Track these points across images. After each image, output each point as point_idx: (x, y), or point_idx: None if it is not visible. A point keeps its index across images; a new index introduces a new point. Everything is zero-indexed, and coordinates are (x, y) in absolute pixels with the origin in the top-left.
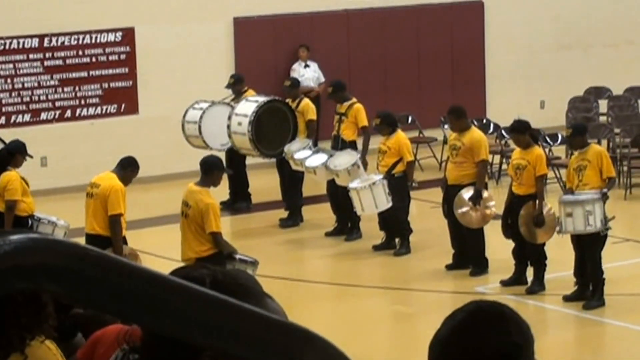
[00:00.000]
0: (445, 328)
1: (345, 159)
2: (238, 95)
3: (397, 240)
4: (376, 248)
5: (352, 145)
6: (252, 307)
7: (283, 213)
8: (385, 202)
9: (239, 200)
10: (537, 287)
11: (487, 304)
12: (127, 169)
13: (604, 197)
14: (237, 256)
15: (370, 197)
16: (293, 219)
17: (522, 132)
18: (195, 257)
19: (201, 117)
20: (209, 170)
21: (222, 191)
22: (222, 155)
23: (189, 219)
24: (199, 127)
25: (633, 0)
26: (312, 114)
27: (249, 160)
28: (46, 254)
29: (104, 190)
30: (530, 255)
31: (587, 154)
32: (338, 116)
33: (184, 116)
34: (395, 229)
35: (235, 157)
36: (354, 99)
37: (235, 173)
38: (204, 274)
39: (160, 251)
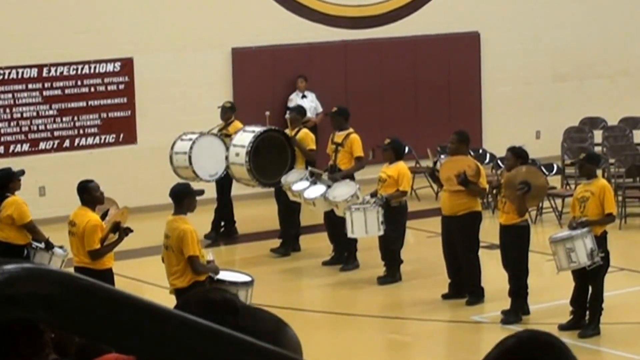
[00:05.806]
0: (495, 352)
1: (344, 189)
2: (225, 122)
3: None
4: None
5: (350, 175)
6: (246, 337)
7: (274, 243)
8: (376, 229)
9: (218, 231)
10: (512, 318)
11: (539, 333)
12: (90, 194)
13: (601, 231)
14: (227, 279)
15: (362, 221)
16: (285, 248)
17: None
18: (175, 289)
19: (191, 147)
20: (179, 199)
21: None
22: (211, 186)
23: (169, 250)
24: (189, 157)
25: (627, 32)
26: (312, 144)
27: (241, 190)
28: (40, 283)
29: (80, 227)
30: (511, 285)
31: (592, 186)
32: (334, 146)
33: (172, 147)
34: (384, 256)
35: (225, 187)
36: (351, 129)
37: (222, 203)
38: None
39: (159, 280)
